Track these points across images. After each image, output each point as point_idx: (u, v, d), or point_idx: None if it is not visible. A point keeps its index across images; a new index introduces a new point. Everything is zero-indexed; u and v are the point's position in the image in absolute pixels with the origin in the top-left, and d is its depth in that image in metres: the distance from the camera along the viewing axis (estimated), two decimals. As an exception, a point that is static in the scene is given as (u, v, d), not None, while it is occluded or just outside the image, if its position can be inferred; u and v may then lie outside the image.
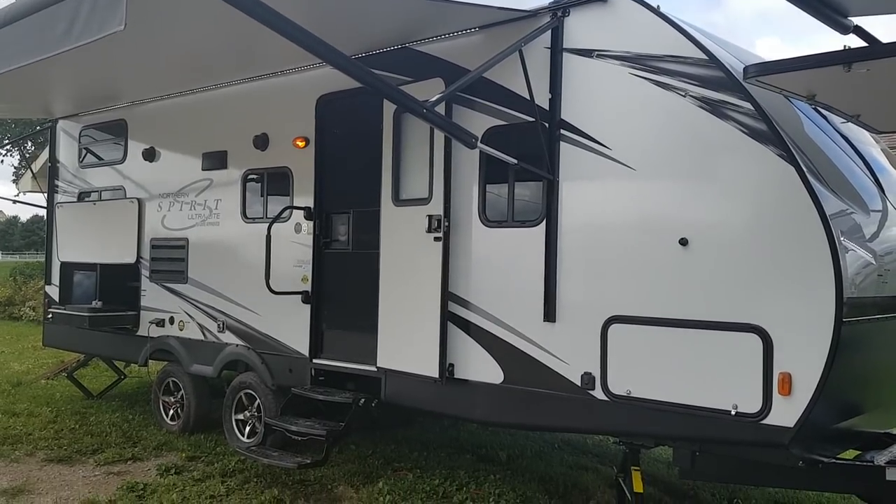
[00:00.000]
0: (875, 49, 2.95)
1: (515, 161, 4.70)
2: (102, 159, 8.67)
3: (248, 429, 6.92)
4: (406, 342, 5.60)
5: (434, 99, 4.17)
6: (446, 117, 5.11)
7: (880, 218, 4.76)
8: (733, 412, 4.22)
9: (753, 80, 3.49)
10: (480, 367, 5.24)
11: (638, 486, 4.77)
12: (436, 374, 5.35)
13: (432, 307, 5.38)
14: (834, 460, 4.42)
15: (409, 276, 5.59)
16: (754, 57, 5.06)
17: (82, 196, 8.82)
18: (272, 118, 6.79)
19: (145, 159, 8.00)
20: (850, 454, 4.92)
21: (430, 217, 5.41)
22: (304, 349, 6.35)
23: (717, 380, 4.29)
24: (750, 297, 4.20)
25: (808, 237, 4.01)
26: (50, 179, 9.23)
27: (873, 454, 4.63)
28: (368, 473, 6.27)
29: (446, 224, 5.35)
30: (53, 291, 8.93)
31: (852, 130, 5.32)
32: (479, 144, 4.42)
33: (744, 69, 3.75)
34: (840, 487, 4.97)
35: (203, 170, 7.41)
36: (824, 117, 5.03)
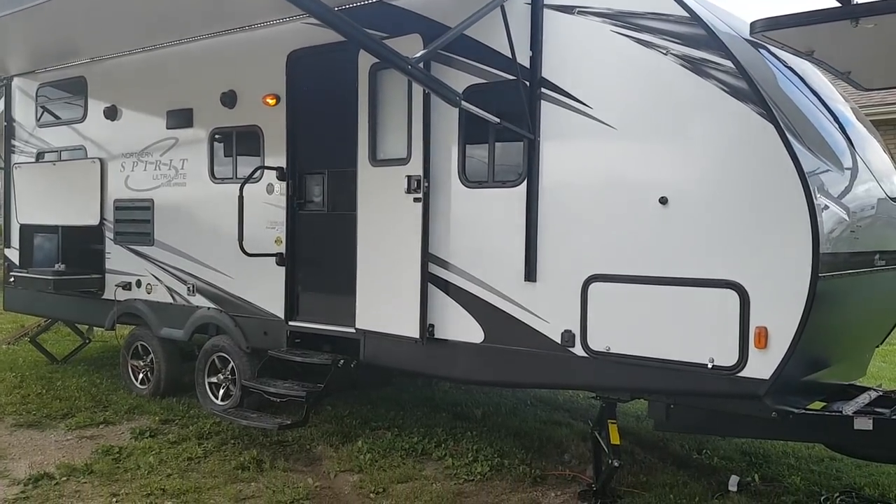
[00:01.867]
0: (885, 4, 2.97)
1: (498, 120, 4.68)
2: (61, 118, 8.38)
3: (221, 392, 6.87)
4: (385, 304, 5.59)
5: (419, 55, 4.11)
6: (430, 74, 5.04)
7: (852, 174, 4.86)
8: (710, 365, 4.33)
9: (760, 34, 3.50)
10: (461, 327, 5.27)
11: (615, 439, 4.87)
12: (416, 335, 5.37)
13: (412, 268, 5.37)
14: (804, 411, 4.58)
15: (388, 237, 5.55)
16: (732, 16, 5.08)
17: (41, 156, 8.53)
18: (240, 75, 6.62)
19: (107, 118, 7.75)
20: (816, 405, 5.10)
21: (409, 177, 5.36)
22: (280, 311, 6.30)
23: (695, 335, 4.39)
24: (728, 254, 4.28)
25: (786, 194, 4.08)
26: (6, 139, 8.90)
27: (840, 405, 4.81)
28: (347, 433, 6.30)
29: (426, 184, 5.31)
30: (13, 254, 8.69)
31: (822, 88, 5.40)
32: (463, 103, 4.37)
33: (751, 24, 3.75)
34: (809, 437, 5.16)
35: (168, 128, 7.21)
36: (797, 74, 5.10)
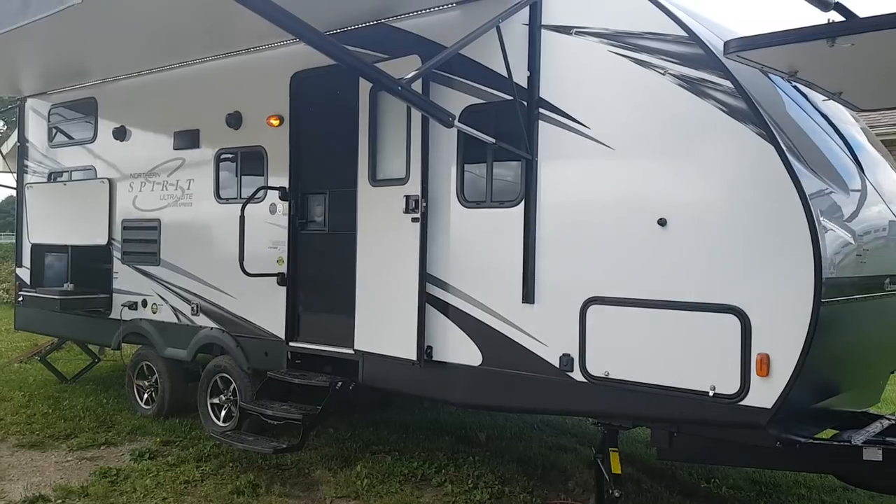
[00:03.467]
0: (859, 23, 2.88)
1: (493, 140, 4.63)
2: (73, 138, 8.47)
3: (223, 413, 6.83)
4: (384, 324, 5.53)
5: (409, 76, 4.06)
6: (423, 95, 5.01)
7: (859, 197, 4.73)
8: (711, 393, 4.20)
9: (734, 55, 3.40)
10: (459, 350, 5.18)
11: (616, 468, 4.74)
12: (414, 357, 5.29)
13: (410, 289, 5.30)
14: (811, 440, 4.42)
15: (387, 257, 5.50)
16: (735, 34, 4.99)
17: (53, 176, 8.62)
18: (245, 96, 6.64)
19: (116, 138, 7.82)
20: (827, 433, 4.94)
21: (407, 197, 5.32)
22: (281, 332, 6.26)
23: (696, 361, 4.26)
24: (728, 278, 4.16)
25: (787, 217, 3.97)
26: (19, 159, 9.02)
27: (850, 434, 4.64)
28: (346, 457, 6.21)
29: (424, 204, 5.26)
30: (24, 274, 8.76)
31: (832, 109, 5.28)
32: (456, 123, 4.33)
33: (724, 44, 3.67)
34: (817, 467, 4.97)
35: (175, 149, 7.25)
36: (804, 95, 4.99)
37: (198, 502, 5.24)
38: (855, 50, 2.93)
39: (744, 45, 3.33)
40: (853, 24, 2.88)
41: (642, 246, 4.44)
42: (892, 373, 5.80)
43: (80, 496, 5.31)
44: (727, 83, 4.15)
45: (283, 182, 6.29)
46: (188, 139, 7.11)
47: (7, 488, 5.51)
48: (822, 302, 3.89)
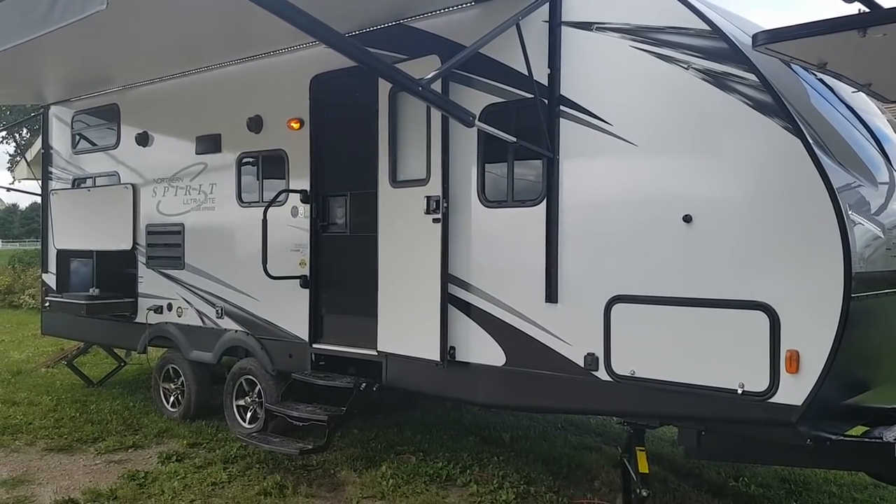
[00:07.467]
0: (892, 12, 2.82)
1: (514, 139, 4.60)
2: (96, 145, 8.57)
3: (249, 415, 6.87)
4: (406, 326, 5.53)
5: (430, 76, 4.05)
6: (443, 95, 5.00)
7: (888, 190, 4.66)
8: (740, 391, 4.14)
9: (763, 47, 3.35)
10: (482, 350, 5.17)
11: (643, 467, 4.70)
12: (437, 358, 5.28)
13: (432, 290, 5.30)
14: (842, 438, 4.36)
15: (409, 258, 5.50)
16: (757, 28, 4.93)
17: (76, 182, 8.72)
18: (266, 100, 6.67)
19: (139, 144, 7.89)
20: (858, 430, 4.86)
21: (428, 198, 5.31)
22: (304, 334, 6.28)
23: (724, 359, 4.21)
24: (756, 274, 4.11)
25: (815, 211, 3.91)
26: (43, 166, 9.13)
27: (882, 430, 4.56)
28: (371, 457, 6.22)
29: (445, 205, 5.25)
30: (50, 279, 8.86)
31: (858, 101, 5.20)
32: (476, 123, 4.31)
33: (753, 36, 3.62)
34: (848, 465, 4.91)
35: (197, 154, 7.30)
36: (829, 87, 4.92)
37: (225, 504, 5.28)
38: (886, 40, 2.87)
39: (773, 38, 3.28)
40: (886, 14, 2.82)
41: (667, 243, 4.39)
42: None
43: (109, 499, 5.36)
44: (752, 76, 4.10)
45: (305, 185, 6.31)
46: (210, 144, 7.15)
47: (37, 492, 5.58)
48: (851, 297, 3.82)
